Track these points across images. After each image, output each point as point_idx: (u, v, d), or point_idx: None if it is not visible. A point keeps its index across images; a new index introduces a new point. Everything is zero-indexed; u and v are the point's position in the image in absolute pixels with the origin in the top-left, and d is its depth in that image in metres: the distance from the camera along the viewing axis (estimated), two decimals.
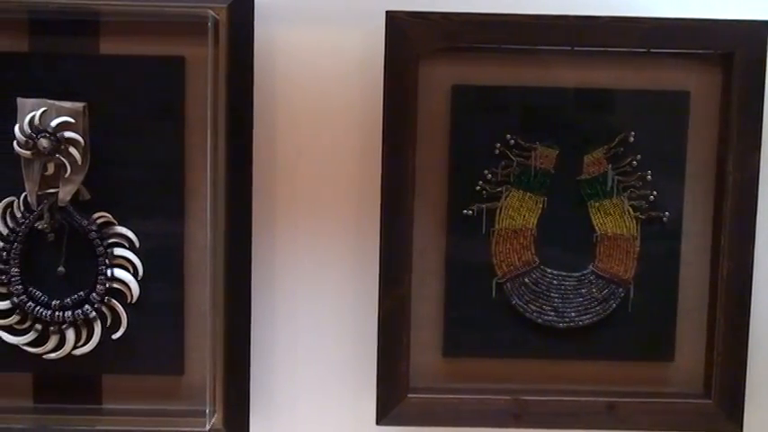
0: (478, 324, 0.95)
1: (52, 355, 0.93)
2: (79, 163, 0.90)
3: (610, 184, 0.94)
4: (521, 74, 0.93)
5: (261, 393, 0.97)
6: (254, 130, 0.91)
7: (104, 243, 0.92)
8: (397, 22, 0.90)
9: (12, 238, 0.92)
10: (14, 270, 0.92)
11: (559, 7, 0.91)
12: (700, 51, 0.93)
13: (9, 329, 0.93)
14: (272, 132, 0.95)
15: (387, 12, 0.89)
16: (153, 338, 0.94)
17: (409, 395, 0.93)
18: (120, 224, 0.93)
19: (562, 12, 0.90)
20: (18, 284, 0.92)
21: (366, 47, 0.93)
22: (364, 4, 0.93)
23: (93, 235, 0.92)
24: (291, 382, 0.98)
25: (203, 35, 0.89)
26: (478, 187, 0.93)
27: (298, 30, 0.94)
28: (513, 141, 0.93)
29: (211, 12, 0.89)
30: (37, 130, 0.89)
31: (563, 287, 0.95)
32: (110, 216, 0.93)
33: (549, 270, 0.95)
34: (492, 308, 0.95)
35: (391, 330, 0.93)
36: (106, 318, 0.93)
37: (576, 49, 0.92)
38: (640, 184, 0.94)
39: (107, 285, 0.93)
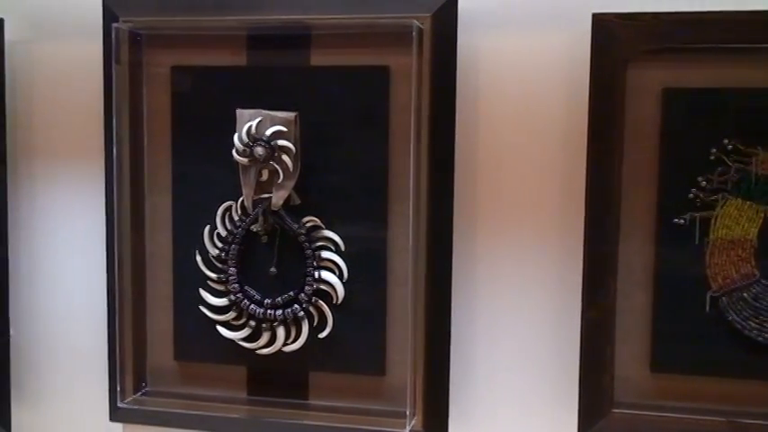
0: (690, 339, 0.90)
1: (264, 351, 0.98)
2: (291, 169, 0.95)
3: None
4: (739, 75, 0.87)
5: (460, 399, 0.97)
6: (456, 136, 0.92)
7: (312, 246, 0.97)
8: (604, 25, 0.87)
9: (230, 240, 0.99)
10: (232, 269, 0.99)
11: None
12: None
13: (226, 325, 1.00)
14: (474, 138, 0.95)
15: (593, 14, 0.87)
16: (356, 339, 0.97)
17: (614, 410, 0.90)
18: (327, 228, 0.97)
19: None
20: (235, 283, 0.99)
21: (571, 51, 0.91)
22: (569, 7, 0.91)
23: (303, 238, 0.96)
24: (491, 388, 0.97)
25: (408, 45, 0.91)
26: (691, 195, 0.89)
27: (501, 36, 0.94)
28: (730, 146, 0.87)
29: (416, 21, 0.91)
30: (253, 138, 0.94)
31: None
32: (318, 220, 0.97)
33: None
34: (705, 323, 0.89)
35: (595, 342, 0.90)
36: (313, 317, 0.98)
37: None
38: None
39: (314, 286, 0.97)
